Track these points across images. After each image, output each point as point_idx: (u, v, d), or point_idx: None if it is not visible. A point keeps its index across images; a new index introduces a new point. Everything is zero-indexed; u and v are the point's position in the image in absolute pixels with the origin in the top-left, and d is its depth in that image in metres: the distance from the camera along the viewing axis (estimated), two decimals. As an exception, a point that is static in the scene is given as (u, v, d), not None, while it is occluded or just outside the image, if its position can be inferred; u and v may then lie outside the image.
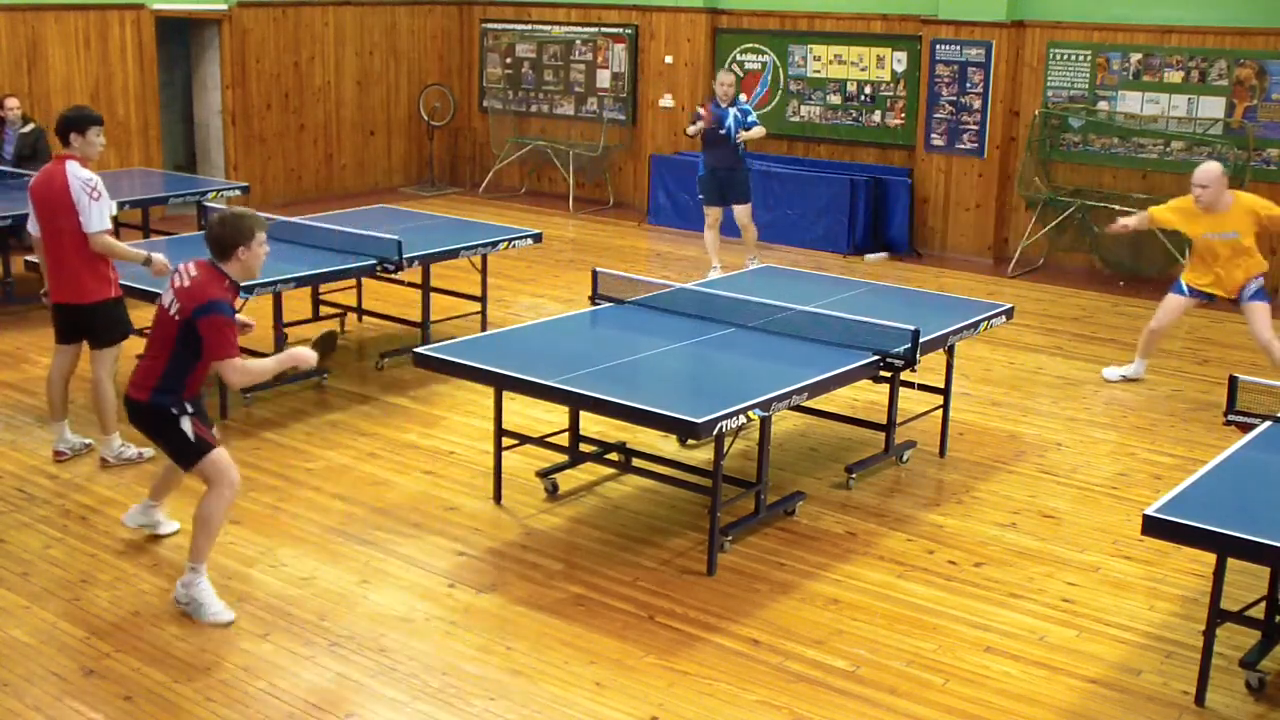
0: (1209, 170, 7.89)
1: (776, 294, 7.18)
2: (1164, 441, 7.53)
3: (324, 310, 9.30)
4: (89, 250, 6.43)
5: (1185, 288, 8.33)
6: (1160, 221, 8.38)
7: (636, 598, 5.49)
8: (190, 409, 5.22)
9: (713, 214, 11.16)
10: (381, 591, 5.49)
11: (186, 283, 5.10)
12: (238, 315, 5.61)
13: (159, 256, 6.73)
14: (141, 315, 8.26)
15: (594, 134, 14.74)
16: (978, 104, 12.13)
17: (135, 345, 8.29)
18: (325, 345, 6.03)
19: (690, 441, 6.81)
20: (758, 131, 10.71)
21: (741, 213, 11.10)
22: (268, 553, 5.84)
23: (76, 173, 6.38)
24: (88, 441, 6.90)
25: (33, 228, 6.68)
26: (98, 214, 6.39)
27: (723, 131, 10.65)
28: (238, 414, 7.57)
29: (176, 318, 5.07)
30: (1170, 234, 11.30)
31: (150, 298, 7.20)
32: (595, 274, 7.32)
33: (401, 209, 10.84)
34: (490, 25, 15.57)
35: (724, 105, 10.69)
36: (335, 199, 14.18)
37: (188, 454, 5.22)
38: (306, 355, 5.32)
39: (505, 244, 9.01)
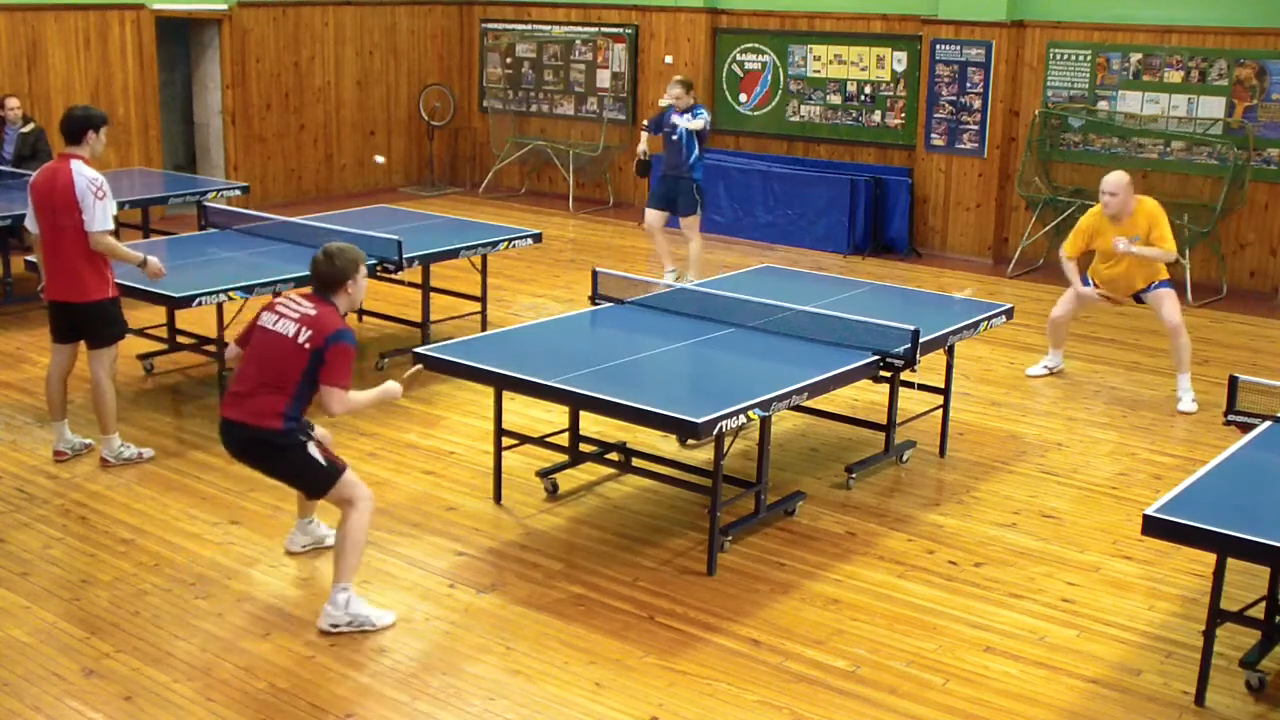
0: (1118, 178, 7.97)
1: (776, 294, 7.18)
2: (1164, 441, 7.53)
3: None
4: (89, 249, 6.42)
5: (1090, 280, 8.42)
6: (1077, 251, 8.25)
7: (636, 598, 5.49)
8: (314, 434, 5.22)
9: (650, 215, 10.78)
10: (381, 591, 5.48)
11: (311, 311, 5.06)
12: None
13: (154, 259, 6.73)
14: (142, 316, 8.30)
15: (594, 134, 14.74)
16: (978, 104, 12.13)
17: (136, 345, 8.32)
18: (412, 382, 5.74)
19: (690, 441, 6.81)
20: (698, 122, 10.24)
21: (685, 225, 10.72)
22: (268, 553, 5.84)
23: (83, 171, 6.39)
24: (88, 441, 6.90)
25: (31, 225, 6.67)
26: (102, 213, 6.39)
27: (675, 137, 10.38)
28: (238, 414, 7.56)
29: (307, 346, 4.99)
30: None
31: (150, 298, 7.21)
32: (595, 274, 7.31)
33: (401, 209, 10.84)
34: (490, 25, 15.57)
35: (679, 111, 10.33)
36: (335, 199, 14.19)
37: (320, 481, 5.17)
38: (396, 390, 5.31)
39: (505, 244, 9.01)
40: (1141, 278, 8.20)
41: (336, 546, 5.17)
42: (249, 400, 5.10)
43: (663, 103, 10.54)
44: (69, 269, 6.46)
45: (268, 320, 5.14)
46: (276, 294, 7.54)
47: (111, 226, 6.49)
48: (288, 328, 5.04)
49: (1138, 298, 8.33)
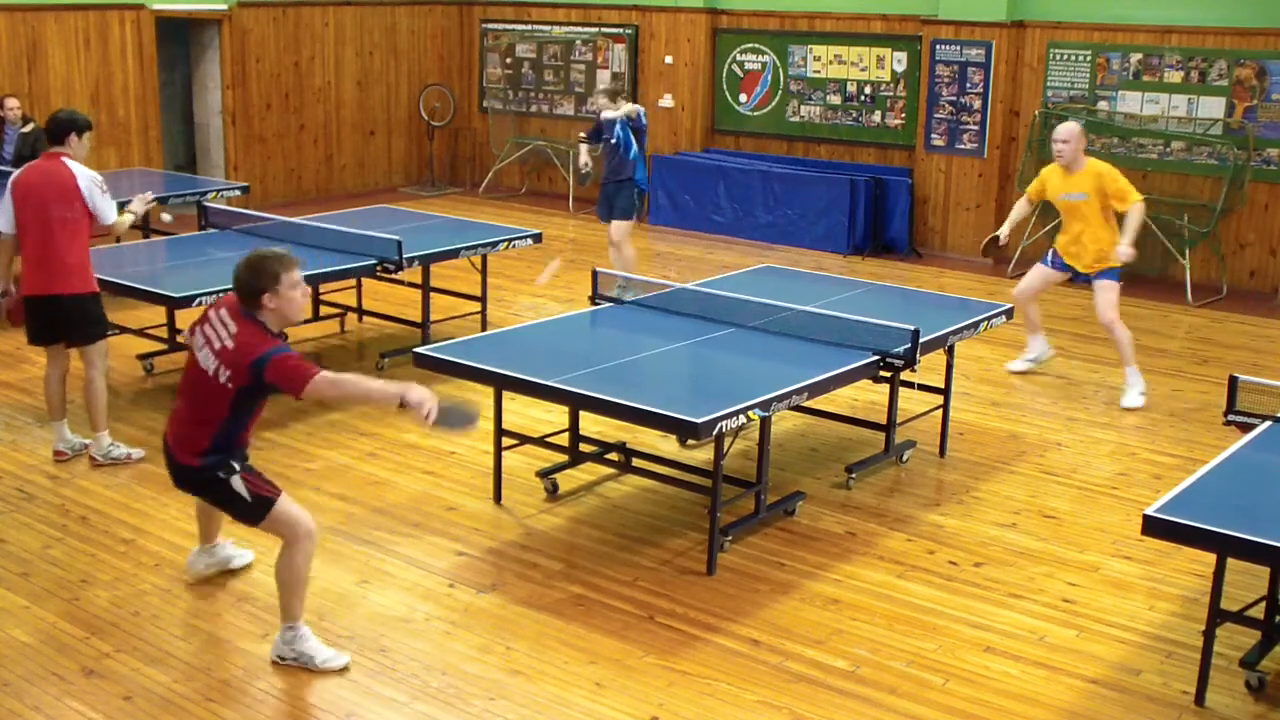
0: (1070, 127, 8.08)
1: (776, 294, 7.18)
2: (1164, 441, 7.53)
3: (324, 310, 9.31)
4: (80, 243, 6.51)
5: (1049, 257, 8.45)
6: (1034, 194, 8.43)
7: (636, 598, 5.49)
8: (238, 466, 4.84)
9: (608, 228, 10.25)
10: (381, 591, 5.49)
11: (229, 343, 4.65)
12: None
13: (135, 204, 7.15)
14: (143, 316, 8.29)
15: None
16: (978, 104, 12.13)
17: (136, 345, 8.32)
18: (457, 419, 4.79)
19: (690, 441, 6.81)
20: (626, 109, 9.89)
21: (614, 229, 10.16)
22: (268, 553, 5.82)
23: (83, 169, 6.52)
24: (87, 441, 6.90)
25: (7, 226, 6.63)
26: (111, 205, 6.61)
27: (614, 142, 10.00)
28: (238, 414, 7.56)
29: (230, 386, 4.64)
30: (1172, 235, 11.31)
31: (150, 298, 7.21)
32: (595, 274, 7.32)
33: (401, 209, 10.84)
34: (490, 25, 15.57)
35: (611, 122, 9.94)
36: (335, 199, 14.19)
37: (250, 514, 4.85)
38: (422, 392, 4.61)
39: (505, 244, 9.01)
40: (1091, 255, 8.17)
41: (277, 583, 4.86)
42: (176, 427, 4.89)
43: (607, 115, 10.02)
44: (57, 262, 6.47)
45: (197, 343, 4.78)
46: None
47: (115, 214, 6.70)
48: (208, 361, 4.69)
49: (1086, 279, 8.32)
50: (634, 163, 10.05)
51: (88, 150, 6.71)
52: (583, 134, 10.50)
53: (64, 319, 6.61)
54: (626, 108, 10.00)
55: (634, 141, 10.01)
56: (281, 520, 4.82)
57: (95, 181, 6.51)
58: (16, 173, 6.71)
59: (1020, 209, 8.55)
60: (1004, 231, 8.45)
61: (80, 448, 6.87)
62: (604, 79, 14.59)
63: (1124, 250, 7.96)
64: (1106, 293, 8.20)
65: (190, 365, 4.81)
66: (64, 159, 6.50)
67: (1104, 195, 8.01)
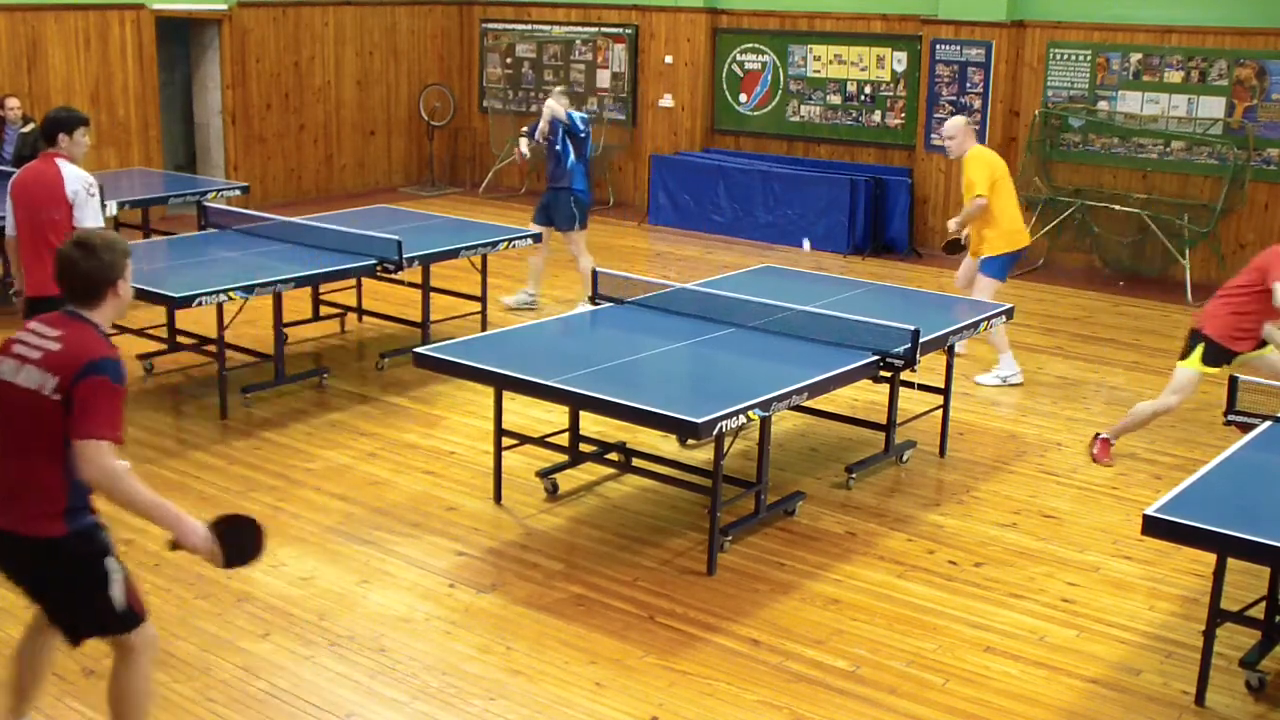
0: (954, 122, 8.53)
1: (776, 294, 7.18)
2: (1164, 441, 7.53)
3: (324, 310, 9.31)
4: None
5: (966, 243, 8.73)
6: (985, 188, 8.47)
7: (636, 598, 5.49)
8: (110, 543, 3.80)
9: (543, 232, 9.71)
10: (381, 591, 5.49)
11: (54, 346, 3.68)
12: None
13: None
14: (142, 316, 8.30)
15: (594, 134, 14.72)
16: (978, 104, 12.13)
17: (136, 345, 8.32)
18: (236, 540, 3.93)
19: (690, 442, 6.81)
20: (560, 112, 9.58)
21: (569, 241, 9.83)
22: (268, 553, 5.81)
23: (73, 171, 6.38)
24: None
25: (9, 228, 6.63)
26: (94, 211, 6.41)
27: (558, 147, 9.74)
28: (238, 414, 7.57)
29: (55, 397, 3.61)
30: (1172, 235, 11.31)
31: (150, 298, 7.21)
32: (595, 274, 7.32)
33: (401, 209, 10.84)
34: (490, 25, 15.57)
35: (552, 123, 9.71)
36: (335, 199, 14.19)
37: (111, 624, 3.83)
38: (196, 531, 3.74)
39: (505, 244, 9.01)
40: (974, 241, 8.50)
41: (117, 708, 3.97)
42: (9, 495, 3.72)
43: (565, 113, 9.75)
44: (50, 263, 6.39)
45: (8, 370, 3.73)
46: (276, 294, 7.60)
47: (103, 224, 6.47)
48: (31, 377, 3.66)
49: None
50: (571, 171, 9.74)
51: (85, 148, 6.57)
52: (525, 129, 10.28)
53: None
54: (557, 109, 9.62)
55: (571, 150, 9.71)
56: (144, 635, 3.90)
57: (84, 183, 6.34)
58: (16, 173, 6.70)
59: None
60: (954, 225, 8.66)
61: None
62: (604, 79, 14.60)
63: (952, 222, 8.56)
64: (984, 288, 8.38)
65: (4, 402, 3.73)
66: (57, 160, 6.40)
67: (969, 182, 8.40)
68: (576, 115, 9.80)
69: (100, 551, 3.77)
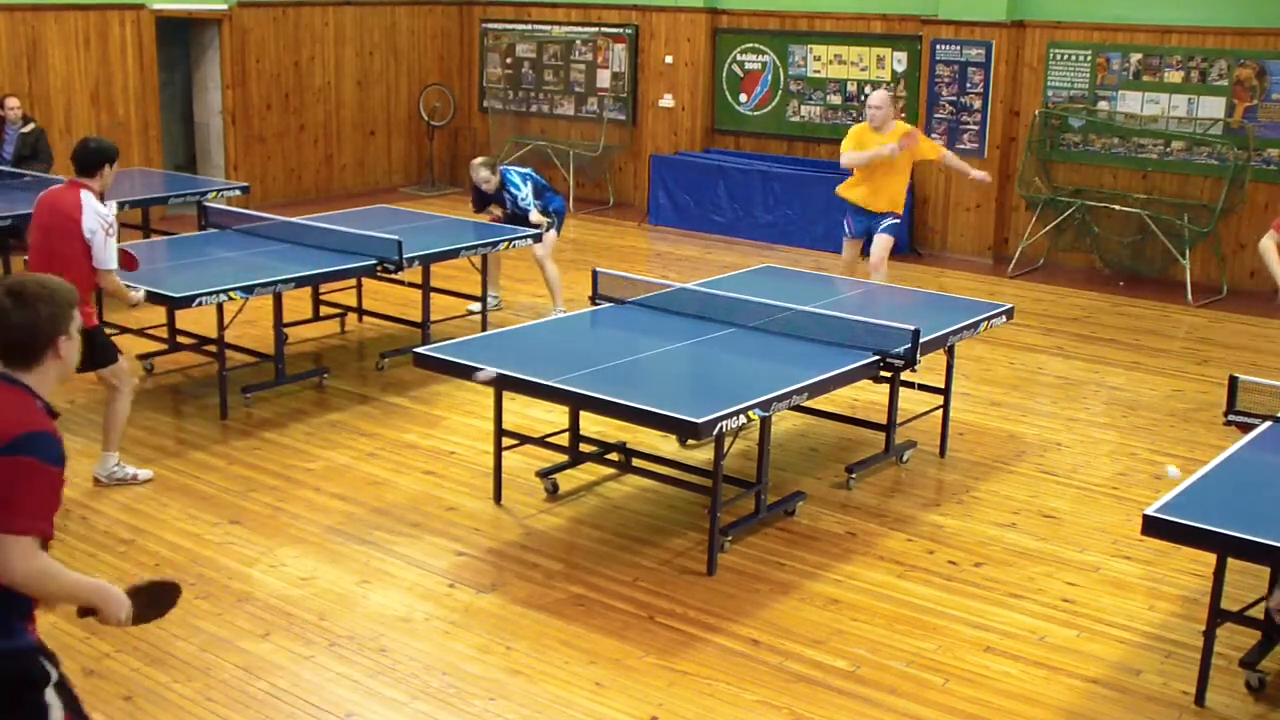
0: (882, 95, 9.17)
1: (776, 294, 7.18)
2: (1164, 441, 7.53)
3: (324, 310, 9.31)
4: (74, 277, 6.21)
5: (848, 226, 9.31)
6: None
7: (636, 598, 5.49)
8: (52, 671, 3.15)
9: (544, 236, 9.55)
10: (381, 591, 5.49)
11: None
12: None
13: (139, 294, 6.81)
14: (142, 316, 8.29)
15: (594, 134, 14.74)
16: (978, 104, 12.13)
17: (136, 345, 8.31)
18: (152, 599, 3.48)
19: (690, 441, 6.81)
20: (534, 215, 9.41)
21: (536, 250, 9.55)
22: (268, 553, 5.84)
23: (95, 206, 6.27)
24: None
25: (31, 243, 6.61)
26: (111, 251, 6.32)
27: (520, 209, 9.48)
28: (238, 414, 7.57)
29: None
30: (1172, 235, 11.31)
31: (150, 298, 7.20)
32: (595, 274, 7.32)
33: (401, 209, 10.84)
34: (490, 25, 15.57)
35: (497, 191, 9.57)
36: (335, 199, 14.19)
37: None
38: (120, 601, 3.25)
39: (505, 244, 9.01)
40: (886, 201, 9.10)
41: None
42: None
43: (482, 188, 9.61)
44: None
45: None
46: (276, 294, 7.59)
47: (115, 266, 6.41)
48: None
49: (870, 234, 9.20)
50: (531, 212, 9.42)
51: (110, 181, 6.52)
52: (473, 208, 10.02)
53: None
54: (534, 207, 9.42)
55: (531, 201, 9.43)
56: None
57: (103, 221, 6.24)
58: (43, 193, 6.56)
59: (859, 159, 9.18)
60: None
61: None
62: (604, 79, 14.60)
63: (983, 174, 9.46)
64: (886, 241, 9.13)
65: None
66: (84, 191, 6.30)
67: (912, 150, 9.02)
68: (513, 178, 9.54)
69: (35, 679, 3.08)
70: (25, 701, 3.07)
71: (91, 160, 6.39)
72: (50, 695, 3.10)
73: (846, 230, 9.36)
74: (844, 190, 9.31)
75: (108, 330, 8.21)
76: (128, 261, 6.96)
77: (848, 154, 9.18)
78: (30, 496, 2.98)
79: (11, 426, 3.01)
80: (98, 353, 6.46)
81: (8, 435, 2.98)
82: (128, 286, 6.67)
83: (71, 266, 6.25)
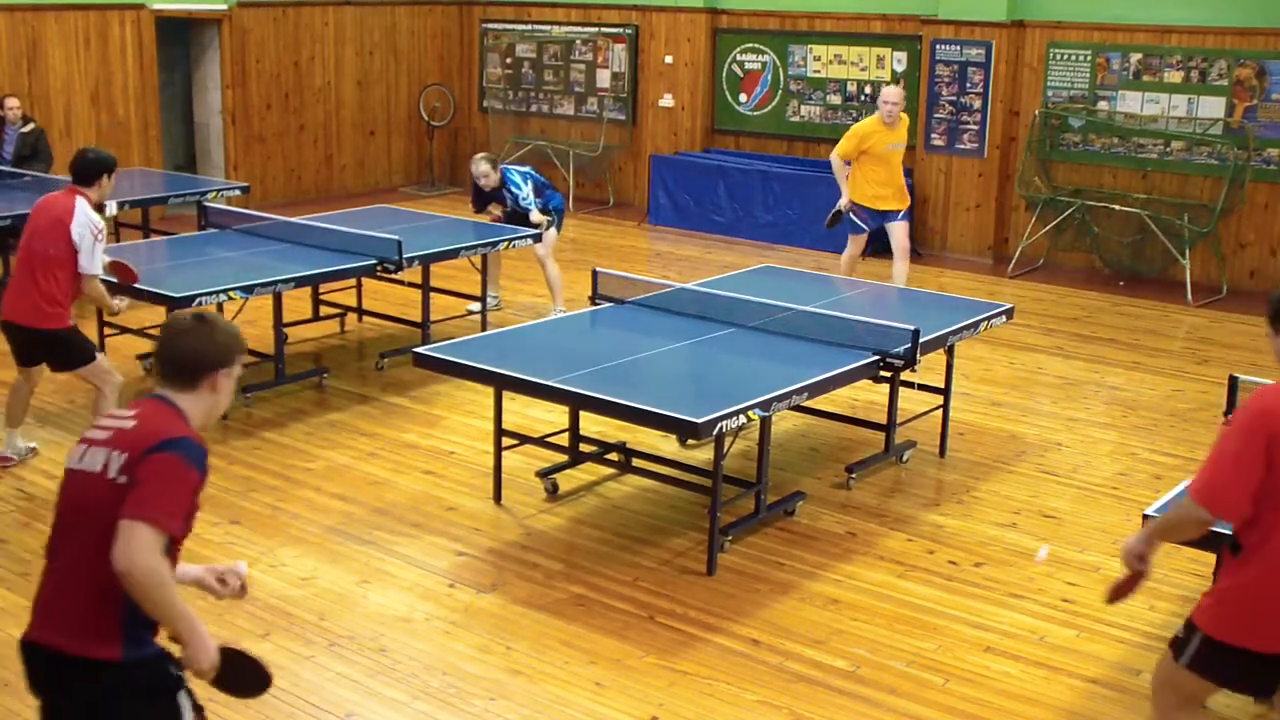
0: (899, 90, 9.43)
1: (776, 294, 7.18)
2: (1164, 441, 7.53)
3: (324, 310, 9.30)
4: (56, 280, 6.32)
5: (861, 220, 9.47)
6: (848, 154, 9.40)
7: (636, 598, 5.49)
8: (183, 674, 3.24)
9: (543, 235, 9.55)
10: (381, 591, 5.49)
11: (128, 424, 3.19)
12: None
13: (123, 303, 6.81)
14: (142, 316, 8.29)
15: (594, 134, 14.74)
16: (978, 104, 12.13)
17: (135, 345, 8.30)
18: (241, 672, 3.53)
19: (690, 441, 6.81)
20: (535, 214, 9.41)
21: (538, 250, 9.57)
22: (268, 553, 5.84)
23: (87, 212, 6.35)
24: (33, 445, 6.90)
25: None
26: (97, 257, 6.39)
27: (521, 208, 9.48)
28: (238, 414, 7.57)
29: (121, 479, 3.05)
30: (1172, 235, 11.31)
31: (150, 298, 7.20)
32: (595, 274, 7.32)
33: (401, 209, 10.84)
34: (490, 25, 15.57)
35: (496, 189, 9.58)
36: (335, 199, 14.19)
37: None
38: (207, 650, 3.24)
39: (505, 244, 9.01)
40: (896, 195, 9.40)
41: None
42: (58, 605, 3.12)
43: (480, 183, 9.59)
44: (29, 296, 6.34)
45: (73, 457, 3.21)
46: (276, 294, 7.59)
47: (101, 271, 6.48)
48: (95, 459, 3.13)
49: (884, 225, 9.47)
50: (532, 211, 9.43)
51: (109, 191, 6.60)
52: (472, 206, 10.02)
53: (39, 349, 6.52)
54: (534, 205, 9.42)
55: (532, 201, 9.44)
56: None
57: (93, 227, 6.32)
58: (41, 198, 6.62)
59: (843, 170, 9.50)
60: (845, 203, 9.51)
61: (26, 452, 6.84)
62: (604, 79, 14.60)
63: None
64: (906, 226, 9.56)
65: (67, 495, 3.20)
66: (79, 197, 6.38)
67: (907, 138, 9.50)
68: (513, 177, 9.54)
69: (168, 684, 3.21)
70: (160, 706, 3.18)
71: (90, 170, 6.48)
72: (182, 698, 3.23)
73: (859, 224, 9.51)
74: (861, 198, 9.44)
75: (107, 330, 8.25)
76: (127, 275, 6.97)
77: (837, 161, 9.44)
78: (165, 490, 3.02)
79: (161, 431, 3.12)
80: (73, 352, 6.49)
81: (156, 437, 3.09)
82: (113, 295, 6.72)
83: (55, 269, 6.29)
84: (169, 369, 3.30)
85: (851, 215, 9.53)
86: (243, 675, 3.42)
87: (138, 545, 2.93)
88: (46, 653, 3.10)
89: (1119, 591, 3.77)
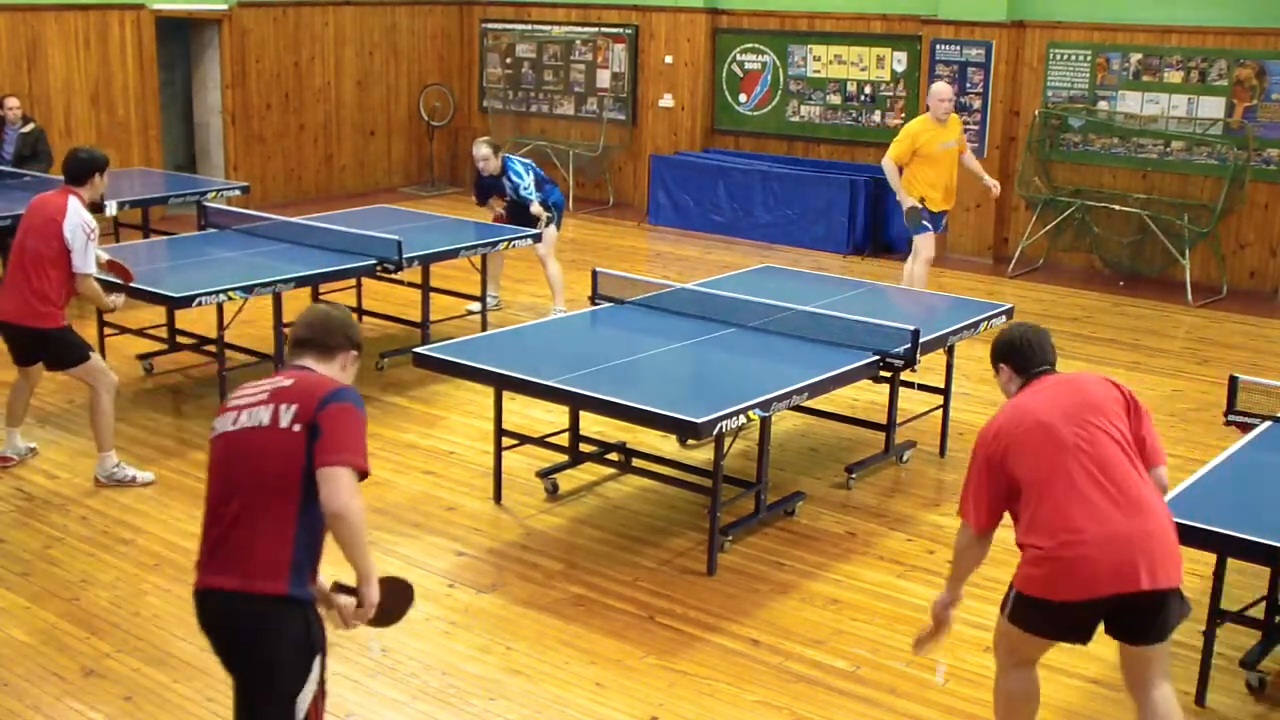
0: (948, 87, 9.38)
1: (776, 294, 7.18)
2: (1164, 441, 7.50)
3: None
4: (48, 279, 6.31)
5: (932, 223, 9.35)
6: (903, 157, 9.25)
7: (636, 598, 5.49)
8: (324, 645, 3.55)
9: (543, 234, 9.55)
10: (381, 591, 5.48)
11: (285, 383, 3.47)
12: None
13: (118, 300, 6.80)
14: (142, 316, 8.28)
15: (594, 134, 14.74)
16: (978, 104, 12.12)
17: (136, 345, 8.30)
18: (392, 594, 3.76)
19: (690, 441, 6.81)
20: (536, 206, 9.44)
21: (539, 250, 9.58)
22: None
23: (79, 211, 6.35)
24: (33, 445, 6.91)
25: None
26: (90, 256, 6.38)
27: (519, 199, 9.52)
28: (238, 414, 7.56)
29: (297, 428, 3.35)
30: (1172, 235, 11.32)
31: (150, 298, 7.21)
32: (595, 274, 7.32)
33: (401, 209, 10.84)
34: (490, 25, 15.57)
35: (496, 177, 9.55)
36: (335, 199, 14.19)
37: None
38: (375, 585, 3.58)
39: (505, 244, 9.01)
40: (952, 194, 9.37)
41: None
42: (235, 550, 3.39)
43: (480, 167, 9.57)
44: (21, 295, 6.34)
45: (225, 423, 3.49)
46: (276, 294, 7.59)
47: (95, 270, 6.47)
48: (260, 416, 3.42)
49: (938, 225, 9.46)
50: (532, 203, 9.45)
51: (101, 192, 6.61)
52: (475, 199, 10.03)
53: (35, 348, 6.52)
54: (534, 196, 9.42)
55: (533, 191, 9.45)
56: None
57: (85, 226, 6.32)
58: (35, 197, 6.63)
59: (896, 174, 9.32)
60: (913, 200, 9.24)
61: (26, 452, 6.84)
62: (604, 79, 14.60)
63: (994, 183, 9.66)
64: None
65: (225, 453, 3.48)
66: (72, 196, 6.38)
67: (962, 140, 9.40)
68: (515, 166, 9.53)
69: (314, 645, 3.47)
70: (305, 652, 3.44)
71: (82, 169, 6.48)
72: (317, 664, 3.47)
73: (930, 226, 9.31)
74: (933, 204, 9.27)
75: (107, 330, 8.25)
76: (123, 275, 6.96)
77: (891, 165, 9.26)
78: (350, 434, 3.36)
79: (325, 385, 3.46)
80: (67, 351, 6.48)
81: (323, 389, 3.43)
82: (108, 293, 6.71)
83: (47, 267, 6.28)
84: (312, 342, 3.60)
85: (924, 219, 9.25)
86: (394, 600, 3.69)
87: (346, 488, 3.28)
88: (220, 595, 3.38)
89: (920, 643, 4.38)
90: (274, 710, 3.42)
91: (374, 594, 3.50)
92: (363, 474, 3.36)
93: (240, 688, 3.48)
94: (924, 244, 9.35)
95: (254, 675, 3.43)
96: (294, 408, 3.37)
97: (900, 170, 9.25)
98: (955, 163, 9.35)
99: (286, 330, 7.99)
